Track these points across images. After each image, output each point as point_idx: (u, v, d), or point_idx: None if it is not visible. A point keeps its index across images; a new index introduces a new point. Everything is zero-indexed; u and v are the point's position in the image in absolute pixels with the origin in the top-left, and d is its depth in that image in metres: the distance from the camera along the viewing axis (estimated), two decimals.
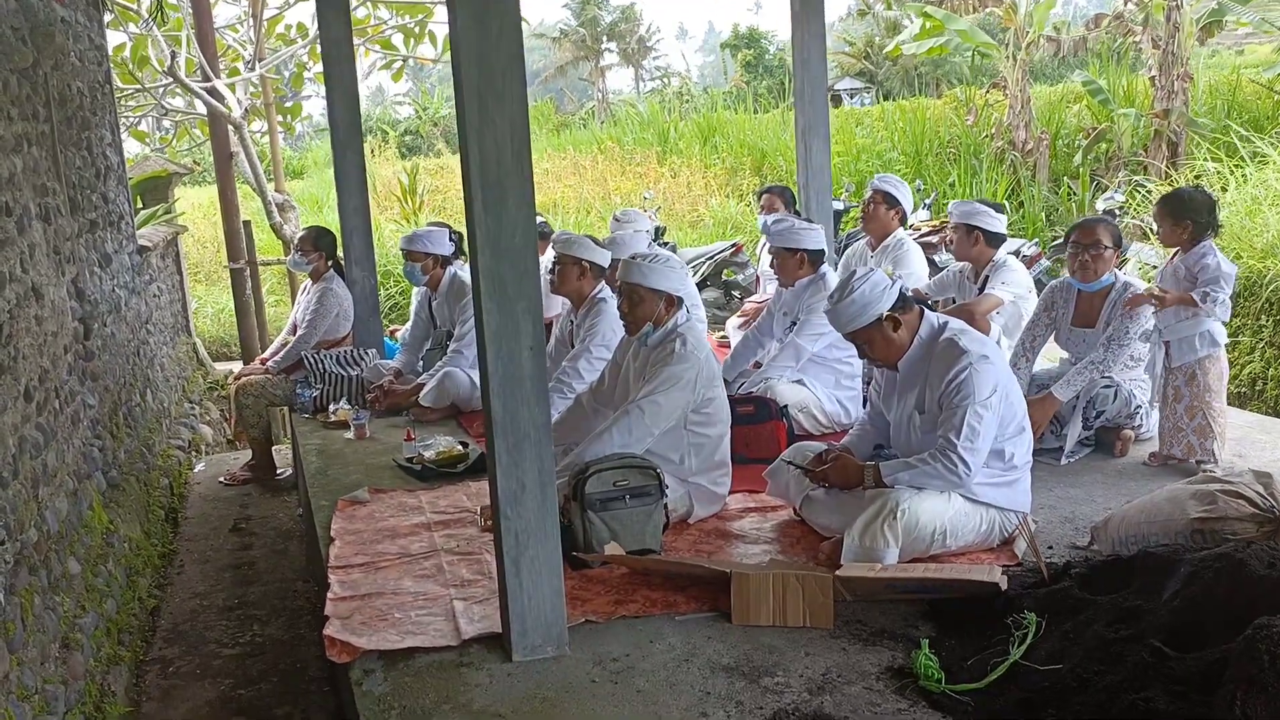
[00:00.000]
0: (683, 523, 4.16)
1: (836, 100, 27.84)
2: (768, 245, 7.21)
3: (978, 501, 3.67)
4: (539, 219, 7.53)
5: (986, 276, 5.66)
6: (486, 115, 2.90)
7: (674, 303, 4.25)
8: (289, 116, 10.25)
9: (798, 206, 7.52)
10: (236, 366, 10.41)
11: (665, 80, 49.68)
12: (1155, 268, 9.55)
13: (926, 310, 3.84)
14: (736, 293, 11.24)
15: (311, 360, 6.42)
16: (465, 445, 5.33)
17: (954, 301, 5.84)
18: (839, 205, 10.91)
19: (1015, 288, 5.57)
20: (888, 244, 6.31)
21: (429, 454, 5.13)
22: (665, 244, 11.31)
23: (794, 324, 5.39)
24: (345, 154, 6.68)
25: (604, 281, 5.33)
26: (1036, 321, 5.03)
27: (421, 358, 6.52)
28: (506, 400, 3.03)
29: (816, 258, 5.37)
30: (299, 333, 6.61)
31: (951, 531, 3.62)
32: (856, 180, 13.54)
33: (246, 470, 6.74)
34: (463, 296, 6.16)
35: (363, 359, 6.56)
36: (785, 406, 5.01)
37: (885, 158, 15.19)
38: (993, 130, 15.31)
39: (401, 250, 6.33)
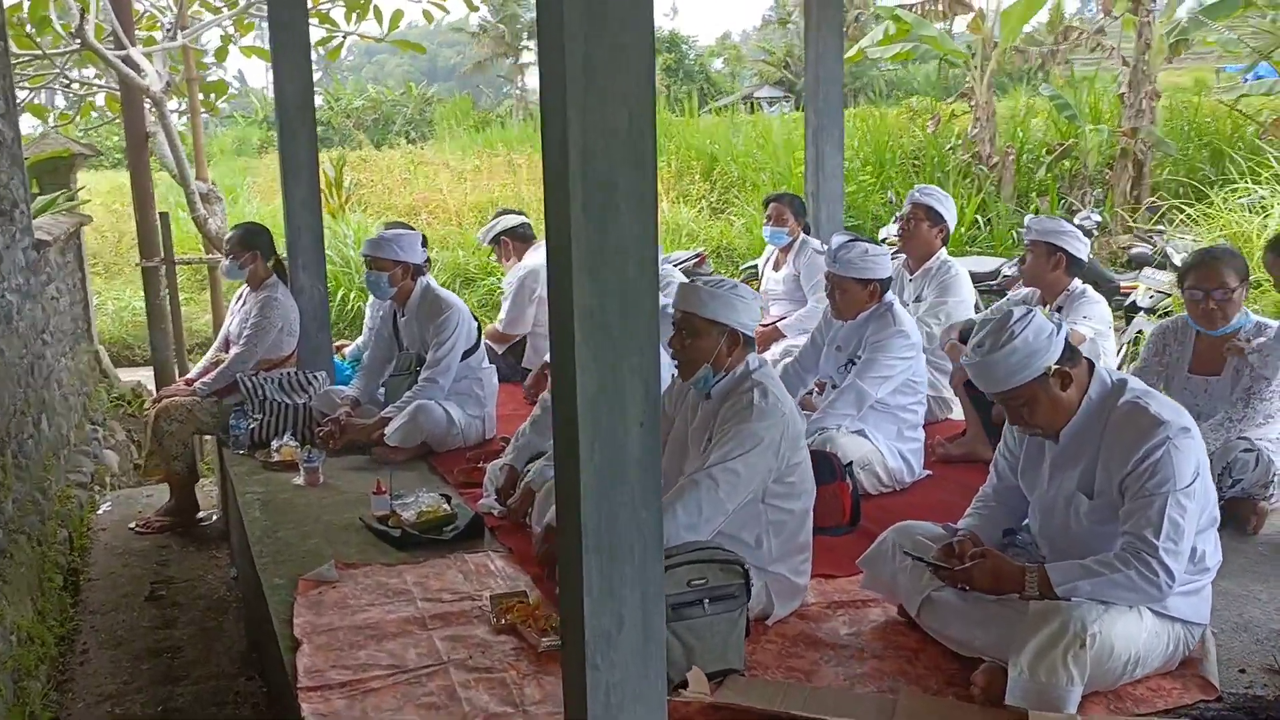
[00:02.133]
0: (759, 623, 3.25)
1: (756, 108, 27.40)
2: (807, 269, 6.34)
3: (1165, 616, 2.83)
4: (520, 217, 6.54)
5: (1059, 308, 4.87)
6: (594, 81, 1.95)
7: (739, 341, 3.33)
8: (213, 95, 9.06)
9: (807, 218, 6.69)
10: (144, 375, 9.17)
11: None
12: (1167, 295, 8.96)
13: (1095, 363, 2.99)
14: None
15: (249, 384, 5.34)
16: (448, 499, 4.35)
17: None
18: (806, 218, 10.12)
19: (1098, 322, 4.80)
20: (930, 267, 5.50)
21: (408, 514, 4.12)
22: None
23: (851, 363, 4.51)
24: (295, 137, 5.59)
25: None
26: (1146, 368, 4.25)
27: (383, 384, 5.48)
28: (602, 499, 2.08)
29: (885, 286, 4.50)
30: (234, 350, 5.51)
31: (1143, 659, 2.78)
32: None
33: (163, 514, 5.61)
34: (438, 314, 5.15)
35: (311, 384, 5.50)
36: (850, 464, 4.14)
37: (847, 167, 14.47)
38: (956, 142, 14.73)
39: (365, 257, 5.28)
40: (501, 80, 53.95)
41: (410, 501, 4.20)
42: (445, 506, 4.19)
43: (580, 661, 2.13)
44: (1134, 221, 12.72)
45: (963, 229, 12.82)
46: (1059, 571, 2.78)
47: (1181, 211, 11.02)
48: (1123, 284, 9.66)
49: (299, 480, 4.80)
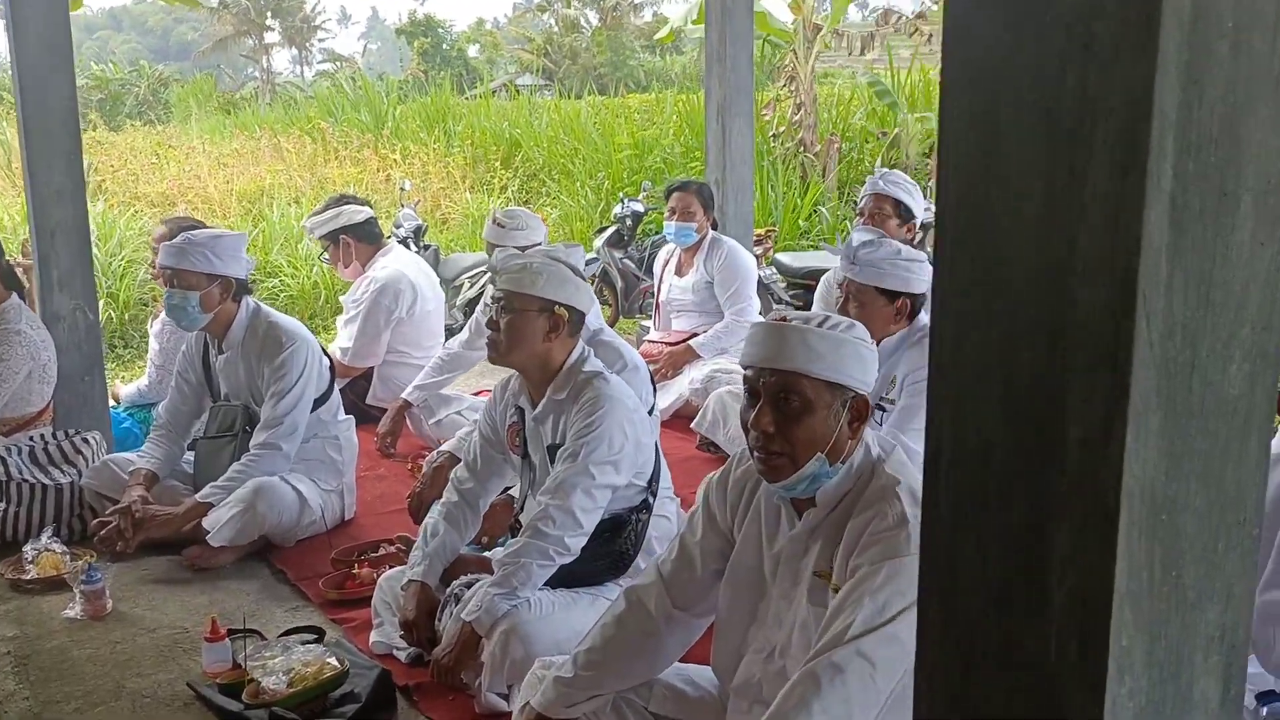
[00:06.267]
0: None
1: (515, 95, 26.41)
2: (722, 273, 5.19)
3: None
4: (365, 210, 4.97)
5: None
6: None
7: (863, 414, 2.09)
8: None
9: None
10: None
11: (337, 63, 46.96)
12: None
13: None
14: None
15: None
16: (321, 636, 2.90)
17: None
18: (638, 206, 9.04)
19: None
20: None
21: (272, 680, 2.63)
22: (426, 247, 8.96)
23: (878, 408, 3.34)
24: (42, 101, 3.88)
25: (584, 342, 3.01)
26: None
27: (190, 447, 3.87)
28: None
29: (918, 305, 3.35)
30: None
31: None
32: (652, 178, 11.66)
33: None
34: (276, 350, 3.61)
35: (80, 452, 3.83)
36: None
37: (669, 151, 13.45)
38: (779, 130, 14.00)
39: (163, 269, 3.64)
40: (245, 60, 50.46)
41: (275, 655, 2.70)
42: (330, 660, 2.71)
43: None
44: None
45: (801, 220, 12.09)
46: None
47: None
48: None
49: (73, 611, 3.19)
